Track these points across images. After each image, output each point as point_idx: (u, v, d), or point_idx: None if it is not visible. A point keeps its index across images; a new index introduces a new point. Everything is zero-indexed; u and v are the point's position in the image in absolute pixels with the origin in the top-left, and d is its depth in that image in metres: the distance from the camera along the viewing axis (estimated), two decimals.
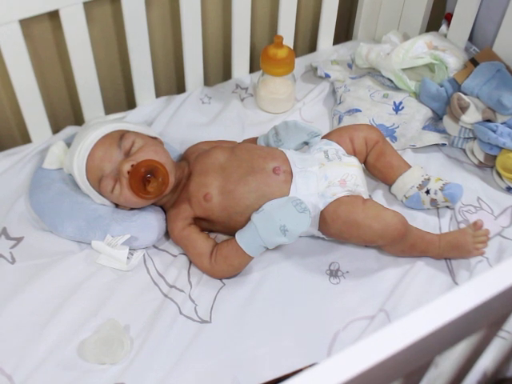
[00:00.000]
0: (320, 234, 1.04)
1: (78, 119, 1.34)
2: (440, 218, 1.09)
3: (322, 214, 1.00)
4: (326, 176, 1.02)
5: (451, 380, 0.78)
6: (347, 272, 1.03)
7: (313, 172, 1.03)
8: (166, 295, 0.99)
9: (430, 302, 0.54)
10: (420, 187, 1.08)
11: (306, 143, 1.12)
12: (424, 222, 1.09)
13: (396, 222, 0.98)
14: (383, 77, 1.33)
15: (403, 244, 1.01)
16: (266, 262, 1.03)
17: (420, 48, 1.29)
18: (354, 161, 1.07)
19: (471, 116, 1.16)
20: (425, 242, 1.02)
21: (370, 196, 1.10)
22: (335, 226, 0.99)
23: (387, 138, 1.20)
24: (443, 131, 1.22)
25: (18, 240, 1.05)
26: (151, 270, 1.02)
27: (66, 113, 1.33)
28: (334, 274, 1.02)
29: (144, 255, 1.04)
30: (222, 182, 1.02)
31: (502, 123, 1.15)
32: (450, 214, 1.10)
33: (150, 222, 1.05)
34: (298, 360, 0.91)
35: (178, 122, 1.27)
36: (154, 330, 0.93)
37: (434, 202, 1.08)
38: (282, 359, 0.91)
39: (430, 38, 1.32)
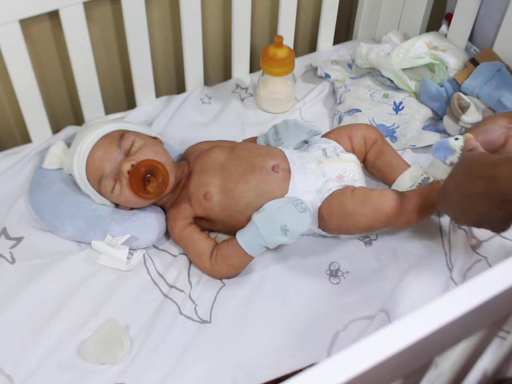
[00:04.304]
0: (321, 232, 1.04)
1: (78, 119, 1.34)
2: (440, 216, 1.09)
3: (320, 210, 1.00)
4: (324, 173, 1.03)
5: (451, 380, 0.78)
6: (347, 272, 1.03)
7: (311, 169, 1.03)
8: (165, 295, 0.99)
9: (430, 301, 0.54)
10: (420, 186, 1.08)
11: (306, 142, 1.12)
12: (424, 220, 1.09)
13: (382, 201, 0.96)
14: (383, 77, 1.33)
15: (405, 214, 0.97)
16: (266, 262, 1.03)
17: (420, 48, 1.29)
18: (352, 157, 1.08)
19: (471, 116, 1.16)
20: (424, 197, 0.96)
21: None
22: (332, 220, 0.99)
23: (387, 138, 1.20)
24: (443, 131, 1.22)
25: (18, 240, 1.05)
26: (151, 270, 1.02)
27: (65, 113, 1.33)
28: (334, 274, 1.02)
29: (144, 255, 1.04)
30: (222, 181, 1.02)
31: None
32: None
33: (150, 222, 1.05)
34: (298, 360, 0.91)
35: (178, 122, 1.27)
36: (154, 330, 0.93)
37: None
38: (282, 359, 0.91)
39: (430, 37, 1.32)
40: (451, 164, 0.91)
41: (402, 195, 0.98)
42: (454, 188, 0.82)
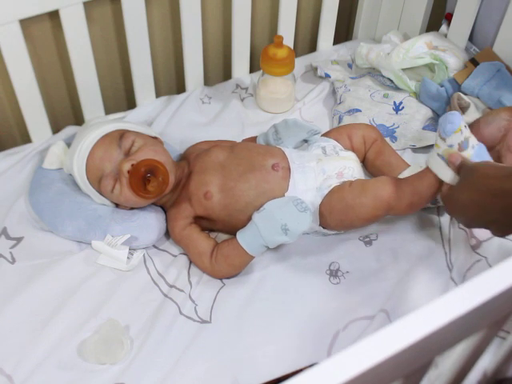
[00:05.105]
0: (322, 230, 1.03)
1: (78, 119, 1.34)
2: (440, 216, 1.09)
3: (321, 208, 1.00)
4: (324, 170, 1.03)
5: (451, 380, 0.78)
6: (347, 272, 1.03)
7: (310, 167, 1.03)
8: (165, 295, 0.99)
9: (430, 302, 0.54)
10: None
11: (306, 141, 1.12)
12: (424, 220, 1.09)
13: (380, 187, 0.96)
14: (383, 77, 1.33)
15: (406, 197, 0.96)
16: (266, 262, 1.03)
17: (420, 48, 1.29)
18: (351, 155, 1.08)
19: (471, 116, 1.16)
20: (422, 178, 0.96)
21: None
22: (334, 216, 0.99)
23: (387, 138, 1.20)
24: None
25: (18, 240, 1.05)
26: (151, 270, 1.02)
27: (65, 113, 1.33)
28: (334, 273, 1.02)
29: (144, 255, 1.04)
30: (222, 180, 1.02)
31: None
32: None
33: (150, 222, 1.05)
34: (298, 360, 0.91)
35: (178, 122, 1.27)
36: (154, 330, 0.93)
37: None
38: (282, 359, 0.91)
39: (430, 38, 1.32)
40: (450, 146, 0.91)
41: (399, 179, 0.98)
42: (467, 199, 0.83)
